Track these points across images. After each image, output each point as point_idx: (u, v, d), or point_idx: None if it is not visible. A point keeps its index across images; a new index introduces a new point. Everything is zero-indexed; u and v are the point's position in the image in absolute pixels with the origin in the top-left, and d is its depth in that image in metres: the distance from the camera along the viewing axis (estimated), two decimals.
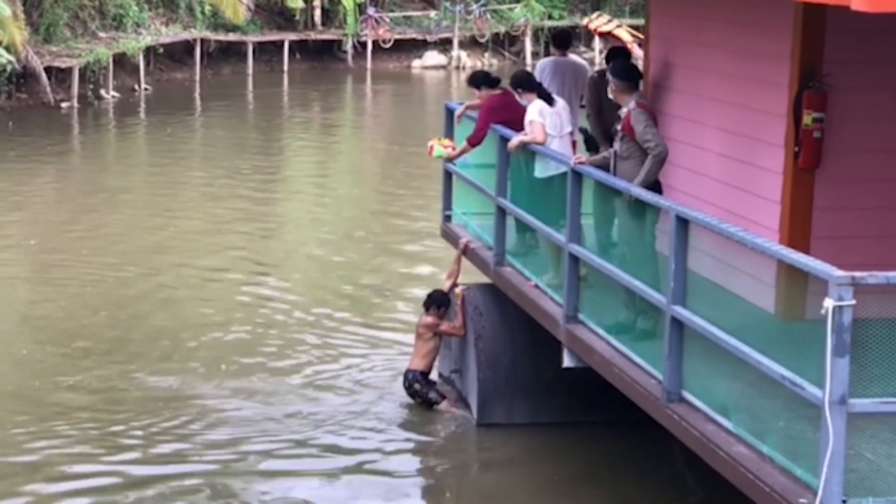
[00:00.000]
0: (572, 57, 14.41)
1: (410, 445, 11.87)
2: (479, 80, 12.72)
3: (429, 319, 12.55)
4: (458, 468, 11.67)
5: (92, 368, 13.66)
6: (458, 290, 12.57)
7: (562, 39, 14.54)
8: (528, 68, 26.62)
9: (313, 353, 14.32)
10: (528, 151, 11.49)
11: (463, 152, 12.68)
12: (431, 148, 12.86)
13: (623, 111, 10.10)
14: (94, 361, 13.91)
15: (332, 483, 11.08)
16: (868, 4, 6.64)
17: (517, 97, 11.89)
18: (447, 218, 13.92)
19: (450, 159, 13.06)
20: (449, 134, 13.79)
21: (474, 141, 12.38)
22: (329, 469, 11.33)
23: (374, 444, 11.84)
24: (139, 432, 11.96)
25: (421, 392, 12.47)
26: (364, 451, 11.67)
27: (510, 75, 12.22)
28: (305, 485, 11.04)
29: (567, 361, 10.53)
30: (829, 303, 6.47)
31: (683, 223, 8.34)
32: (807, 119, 9.97)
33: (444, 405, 12.47)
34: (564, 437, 11.86)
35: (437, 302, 12.64)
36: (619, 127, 10.12)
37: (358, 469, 11.33)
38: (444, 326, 12.50)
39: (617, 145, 10.14)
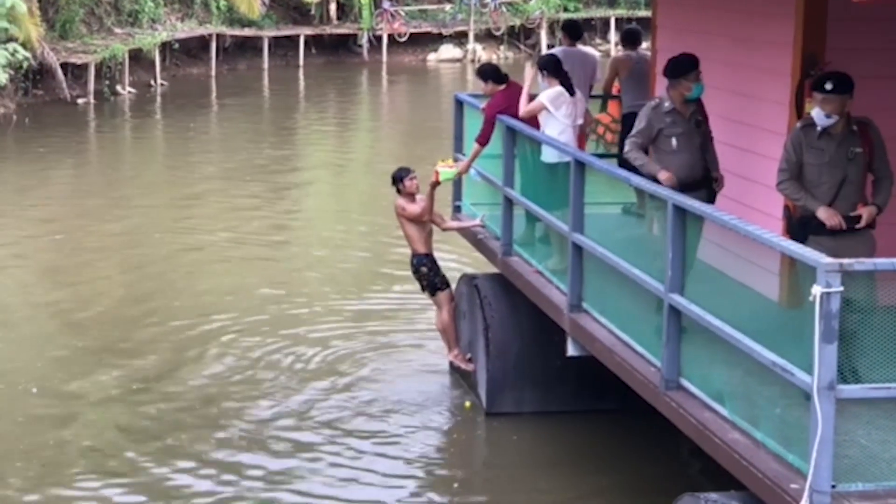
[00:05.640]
0: (582, 48, 14.46)
1: (418, 434, 11.92)
2: (487, 73, 12.70)
3: (398, 202, 12.47)
4: (466, 457, 11.74)
5: (124, 364, 13.72)
6: (438, 167, 12.52)
7: (572, 30, 14.59)
8: None
9: (331, 340, 14.43)
10: (535, 141, 11.55)
11: (475, 156, 12.66)
12: (437, 174, 12.57)
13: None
14: (126, 357, 13.96)
15: (336, 468, 11.17)
16: None
17: (540, 79, 11.92)
18: (457, 208, 14.00)
19: (464, 171, 13.00)
20: (458, 124, 13.86)
21: (482, 140, 12.43)
22: (335, 453, 11.44)
23: (381, 430, 11.94)
24: (170, 426, 12.07)
25: (428, 275, 12.49)
26: (371, 437, 11.77)
27: (538, 59, 12.23)
28: (309, 468, 11.15)
29: (571, 350, 10.59)
30: (816, 290, 6.50)
31: (681, 213, 8.38)
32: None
33: (454, 355, 12.54)
34: (573, 426, 11.92)
35: (393, 180, 12.52)
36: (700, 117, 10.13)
37: (363, 455, 11.41)
38: (408, 210, 12.37)
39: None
